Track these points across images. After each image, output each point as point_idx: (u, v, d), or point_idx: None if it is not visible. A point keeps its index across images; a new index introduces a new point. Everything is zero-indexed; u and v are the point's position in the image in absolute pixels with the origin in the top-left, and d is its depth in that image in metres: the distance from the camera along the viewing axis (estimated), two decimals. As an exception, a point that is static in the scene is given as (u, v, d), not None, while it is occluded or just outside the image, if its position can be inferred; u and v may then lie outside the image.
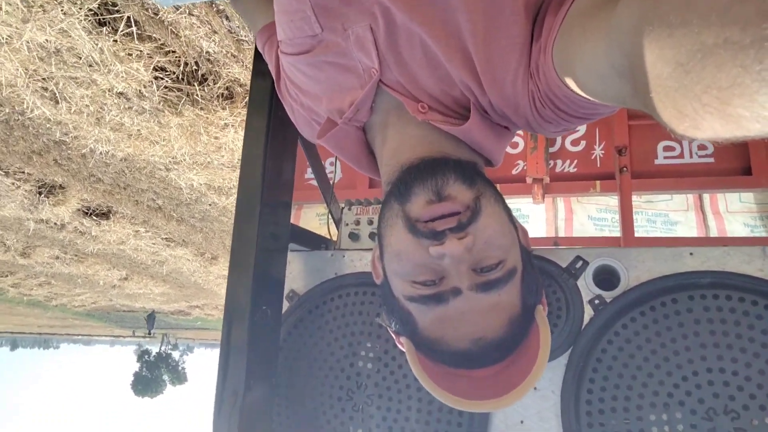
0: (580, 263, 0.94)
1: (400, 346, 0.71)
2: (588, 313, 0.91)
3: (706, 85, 0.27)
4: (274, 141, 0.98)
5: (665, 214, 2.41)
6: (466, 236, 0.57)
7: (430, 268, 0.60)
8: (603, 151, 2.32)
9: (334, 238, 1.22)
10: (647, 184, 2.17)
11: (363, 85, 0.67)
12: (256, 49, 1.04)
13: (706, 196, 2.35)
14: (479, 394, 0.63)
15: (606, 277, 0.95)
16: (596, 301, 0.91)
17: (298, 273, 1.10)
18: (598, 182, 2.25)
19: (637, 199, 2.39)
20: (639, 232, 2.36)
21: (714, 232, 2.32)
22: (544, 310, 0.67)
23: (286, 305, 1.08)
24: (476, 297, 0.60)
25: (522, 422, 0.90)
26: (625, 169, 2.19)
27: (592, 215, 2.49)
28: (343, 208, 1.20)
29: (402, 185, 0.61)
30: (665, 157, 2.22)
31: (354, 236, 1.18)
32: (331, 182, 1.22)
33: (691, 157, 2.19)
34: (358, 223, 1.19)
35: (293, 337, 1.04)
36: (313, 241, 1.17)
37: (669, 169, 2.20)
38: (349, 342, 1.00)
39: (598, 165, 2.30)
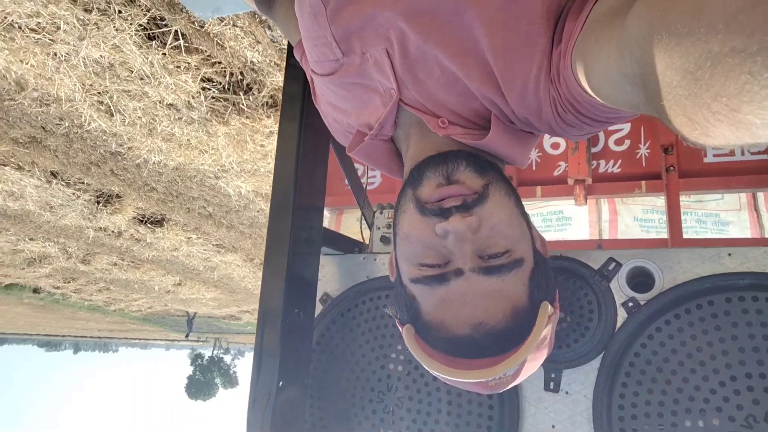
0: (613, 265, 0.92)
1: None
2: (621, 316, 0.89)
3: (715, 93, 0.28)
4: (306, 147, 1.01)
5: (716, 214, 2.31)
6: (471, 216, 0.59)
7: (436, 251, 0.62)
8: (648, 150, 2.25)
9: (368, 242, 1.23)
10: (696, 183, 2.09)
11: (385, 104, 0.69)
12: (287, 57, 1.07)
13: (761, 195, 2.24)
14: (469, 367, 0.62)
15: (643, 280, 0.93)
16: (630, 304, 0.89)
17: (331, 276, 1.12)
18: (643, 182, 2.18)
19: (685, 199, 2.31)
20: (688, 233, 2.28)
21: (769, 232, 2.21)
22: (555, 313, 0.66)
23: (319, 308, 1.10)
24: (478, 279, 0.60)
25: (554, 427, 0.89)
26: (672, 168, 2.12)
27: (638, 216, 2.42)
28: (375, 212, 1.21)
29: (416, 171, 0.64)
30: (715, 155, 2.13)
31: (386, 240, 1.19)
32: (364, 186, 1.24)
33: (742, 154, 2.10)
34: (389, 226, 1.20)
35: (326, 339, 1.06)
36: (346, 245, 1.19)
37: (719, 168, 2.11)
38: (380, 344, 1.01)
39: (644, 164, 2.23)
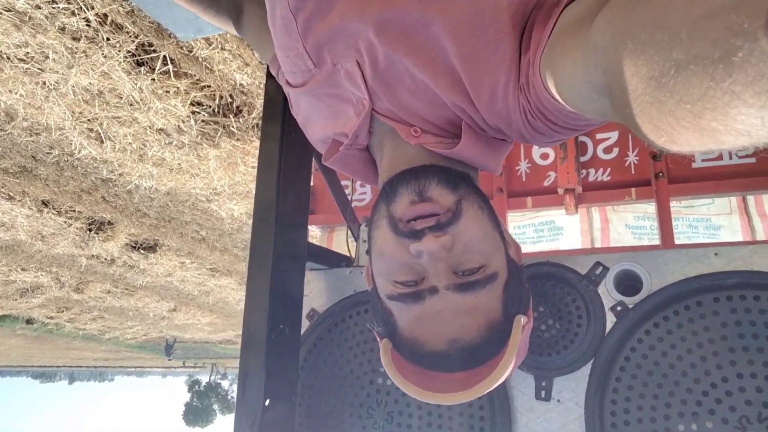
0: (600, 269, 0.91)
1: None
2: (610, 320, 0.88)
3: (678, 100, 0.28)
4: (287, 161, 1.00)
5: (707, 218, 2.31)
6: (444, 235, 0.59)
7: (411, 268, 0.62)
8: (637, 158, 2.25)
9: (354, 255, 1.22)
10: (685, 188, 2.09)
11: (358, 114, 0.69)
12: (267, 75, 1.07)
13: (751, 198, 2.24)
14: (447, 389, 0.62)
15: (631, 284, 0.92)
16: (618, 308, 0.88)
17: (318, 292, 1.11)
18: (633, 189, 2.18)
19: (676, 205, 2.31)
20: (680, 238, 2.27)
21: (760, 235, 2.21)
22: (529, 322, 0.66)
23: (307, 324, 1.09)
24: (452, 296, 0.61)
25: (547, 436, 0.87)
26: (661, 174, 2.12)
27: (629, 224, 2.41)
28: (360, 225, 1.20)
29: (388, 186, 0.64)
30: (703, 160, 2.14)
31: (372, 253, 1.18)
32: (349, 199, 1.23)
33: (731, 158, 2.10)
34: (375, 239, 1.18)
35: (313, 356, 1.04)
36: (332, 260, 1.18)
37: (708, 172, 2.11)
38: (368, 359, 1.00)
39: (633, 172, 2.24)
